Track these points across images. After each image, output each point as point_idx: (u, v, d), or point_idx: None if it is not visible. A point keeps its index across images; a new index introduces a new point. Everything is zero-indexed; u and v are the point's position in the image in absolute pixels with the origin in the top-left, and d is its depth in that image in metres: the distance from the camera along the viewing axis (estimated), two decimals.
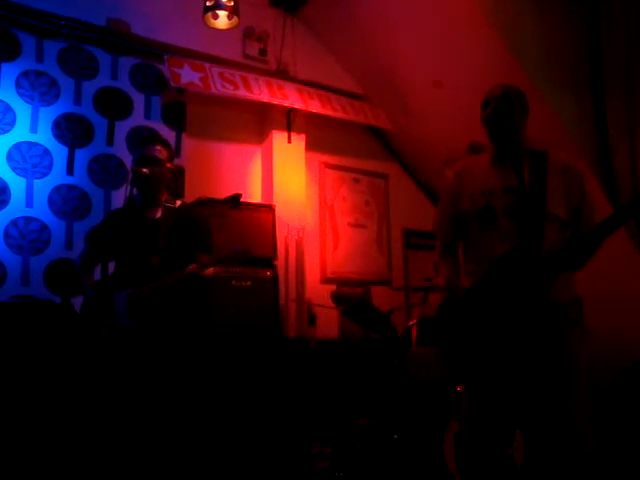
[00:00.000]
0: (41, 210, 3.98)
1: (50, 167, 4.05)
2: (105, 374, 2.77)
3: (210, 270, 2.82)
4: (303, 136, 5.20)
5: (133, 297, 2.76)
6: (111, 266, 2.97)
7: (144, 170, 2.85)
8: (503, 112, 2.27)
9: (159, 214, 2.95)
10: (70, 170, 4.13)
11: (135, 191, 2.93)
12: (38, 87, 4.07)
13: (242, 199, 4.49)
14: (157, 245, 2.85)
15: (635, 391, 4.22)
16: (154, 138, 3.15)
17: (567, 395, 2.15)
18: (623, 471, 3.49)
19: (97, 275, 3.05)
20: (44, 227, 3.97)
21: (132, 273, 2.84)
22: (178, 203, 3.04)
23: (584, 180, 2.34)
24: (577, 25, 5.32)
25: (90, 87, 4.27)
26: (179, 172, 4.34)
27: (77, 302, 3.72)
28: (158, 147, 2.96)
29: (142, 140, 3.12)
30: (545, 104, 4.37)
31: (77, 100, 4.22)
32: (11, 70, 3.99)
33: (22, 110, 3.99)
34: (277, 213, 4.74)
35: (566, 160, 2.35)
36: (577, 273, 2.27)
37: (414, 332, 4.15)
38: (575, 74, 5.15)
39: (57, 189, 4.06)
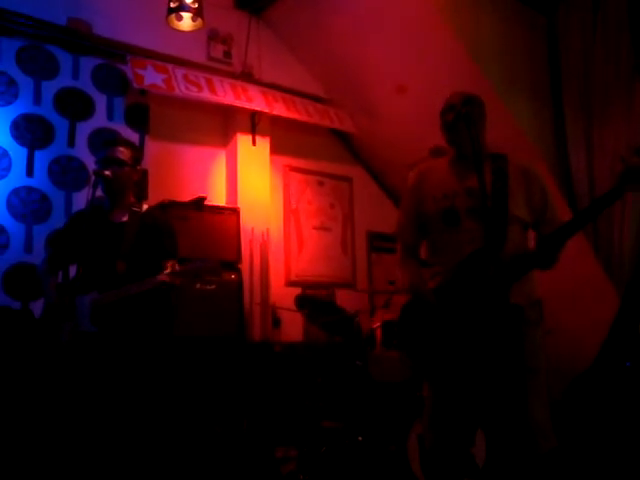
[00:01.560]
0: None
1: (9, 169, 3.95)
2: (65, 380, 2.71)
3: (178, 279, 2.76)
4: (268, 139, 5.19)
5: (97, 303, 2.70)
6: (72, 269, 2.92)
7: (106, 172, 2.81)
8: (465, 118, 2.30)
9: (125, 217, 2.90)
10: (30, 172, 4.04)
11: (100, 193, 2.88)
12: None
13: (206, 202, 4.51)
14: (122, 249, 2.80)
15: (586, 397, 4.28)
16: (117, 140, 3.10)
17: (526, 394, 2.19)
18: (587, 469, 3.56)
19: (59, 279, 2.99)
20: (2, 230, 3.87)
21: (96, 277, 2.79)
22: (144, 207, 2.99)
23: (544, 181, 2.40)
24: (537, 34, 5.48)
25: (50, 87, 4.19)
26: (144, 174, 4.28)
27: (37, 307, 3.65)
28: (121, 149, 2.90)
29: (106, 142, 3.07)
30: (506, 110, 4.47)
31: (37, 100, 4.13)
32: None
33: None
34: (241, 216, 4.73)
35: (525, 163, 2.41)
36: (539, 276, 2.32)
37: (378, 334, 4.18)
38: (535, 80, 5.29)
39: (16, 191, 3.96)
